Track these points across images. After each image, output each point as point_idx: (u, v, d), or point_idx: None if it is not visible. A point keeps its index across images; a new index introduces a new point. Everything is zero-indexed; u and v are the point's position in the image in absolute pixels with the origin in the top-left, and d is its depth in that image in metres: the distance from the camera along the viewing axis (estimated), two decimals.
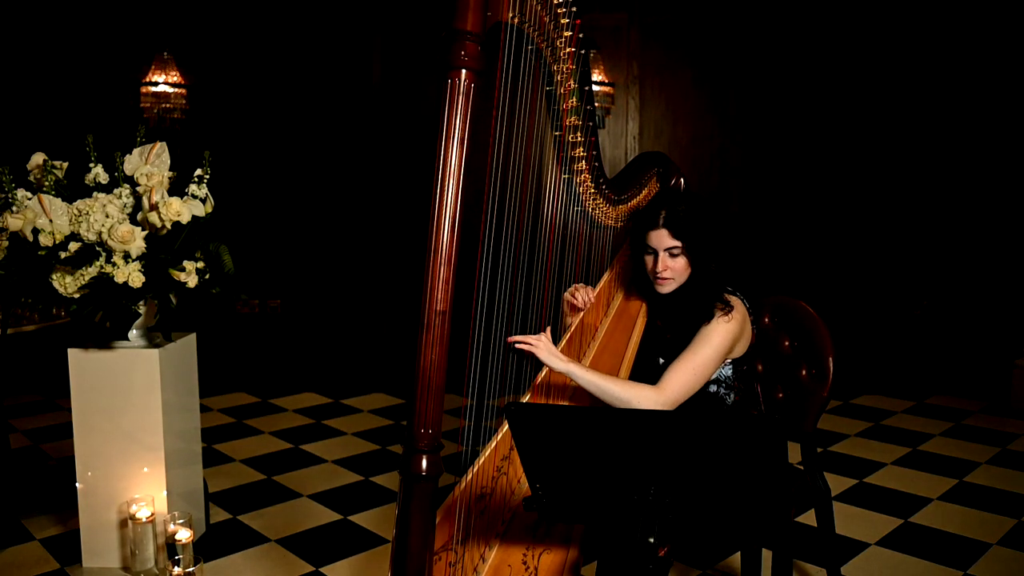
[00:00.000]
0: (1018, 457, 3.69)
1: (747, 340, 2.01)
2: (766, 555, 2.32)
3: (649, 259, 2.00)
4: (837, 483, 3.34)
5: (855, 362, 4.47)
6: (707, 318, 1.93)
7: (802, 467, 2.18)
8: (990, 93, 4.55)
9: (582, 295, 2.17)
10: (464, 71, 1.36)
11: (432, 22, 4.74)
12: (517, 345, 1.83)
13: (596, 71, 4.64)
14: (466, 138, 1.38)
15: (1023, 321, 4.54)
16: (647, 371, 2.02)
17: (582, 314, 2.17)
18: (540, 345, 1.83)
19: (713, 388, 2.00)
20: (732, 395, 2.03)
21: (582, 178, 2.08)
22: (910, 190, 4.75)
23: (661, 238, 1.95)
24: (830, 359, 2.12)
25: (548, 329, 1.91)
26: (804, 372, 2.18)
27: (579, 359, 2.08)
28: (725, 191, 4.87)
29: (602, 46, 4.72)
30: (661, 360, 2.05)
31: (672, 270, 1.97)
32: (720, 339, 1.92)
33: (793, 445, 2.21)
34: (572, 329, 2.16)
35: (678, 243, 1.94)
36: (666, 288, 2.00)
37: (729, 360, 2.00)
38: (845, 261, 4.87)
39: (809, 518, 2.72)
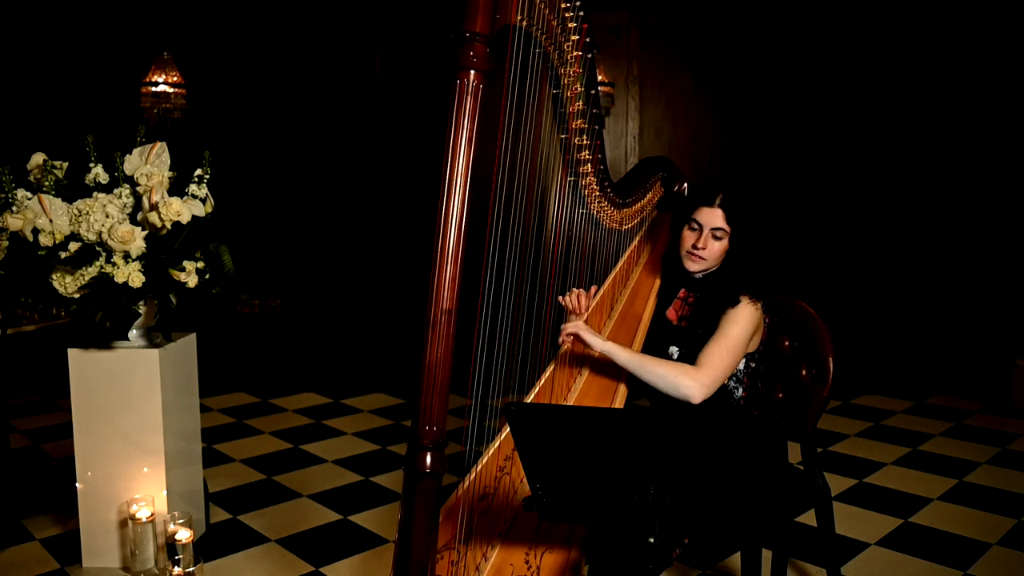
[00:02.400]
0: (1018, 457, 3.69)
1: (760, 336, 2.03)
2: (766, 555, 2.32)
3: (691, 234, 2.02)
4: (837, 483, 3.35)
5: (855, 362, 4.48)
6: (733, 303, 1.95)
7: (802, 467, 2.18)
8: (990, 93, 4.55)
9: (572, 301, 2.12)
10: (473, 72, 1.38)
11: (434, 17, 4.74)
12: (564, 339, 1.97)
13: (596, 71, 4.64)
14: (474, 138, 1.38)
15: (1023, 321, 4.55)
16: None
17: (586, 315, 2.18)
18: (581, 329, 1.93)
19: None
20: (740, 389, 2.03)
21: (587, 181, 2.09)
22: (910, 190, 4.75)
23: (713, 217, 1.98)
24: (830, 359, 2.13)
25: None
26: (804, 372, 2.18)
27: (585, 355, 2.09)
28: None
29: (602, 46, 4.71)
30: (672, 349, 2.06)
31: (710, 251, 2.00)
32: (746, 320, 1.94)
33: (793, 445, 2.21)
34: None
35: (727, 227, 1.98)
36: (695, 266, 2.04)
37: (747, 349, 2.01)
38: (845, 261, 4.87)
39: (809, 518, 2.73)
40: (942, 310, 4.79)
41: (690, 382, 1.86)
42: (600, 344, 1.92)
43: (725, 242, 2.00)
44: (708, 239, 1.99)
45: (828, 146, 4.80)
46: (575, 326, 1.95)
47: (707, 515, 1.34)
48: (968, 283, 4.72)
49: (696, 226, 2.01)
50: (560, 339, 1.97)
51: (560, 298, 2.11)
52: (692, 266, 2.04)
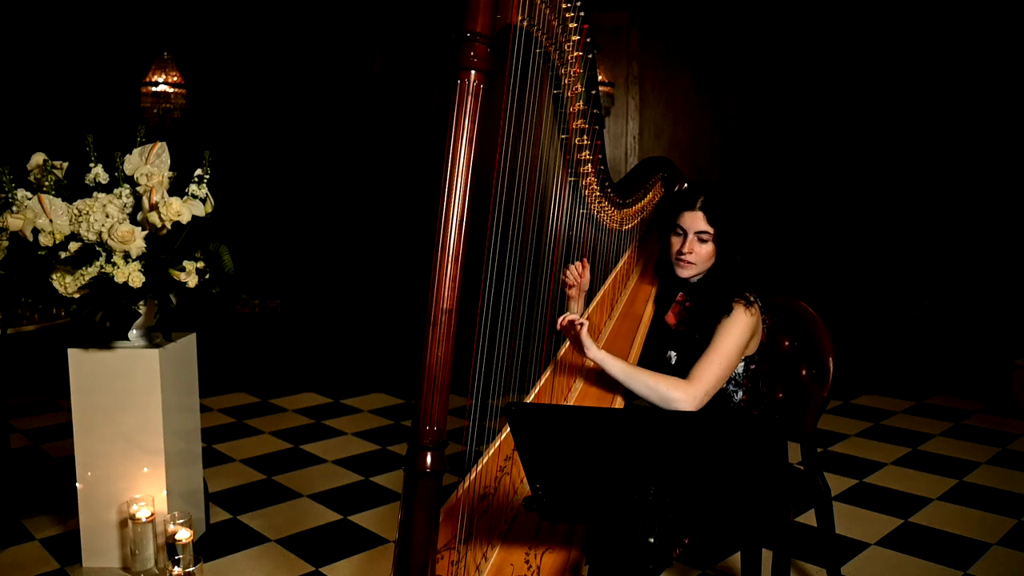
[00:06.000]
0: (1018, 457, 3.69)
1: (759, 338, 2.02)
2: (766, 555, 2.32)
3: (677, 240, 2.02)
4: (837, 483, 3.35)
5: (855, 362, 4.48)
6: (726, 312, 1.94)
7: (802, 467, 2.18)
8: (990, 93, 4.55)
9: (573, 275, 2.16)
10: (473, 72, 1.37)
11: (434, 17, 4.74)
12: (563, 328, 1.89)
13: (596, 71, 4.64)
14: (474, 138, 1.38)
15: (1023, 321, 4.55)
16: (653, 366, 2.03)
17: (588, 311, 2.18)
18: (583, 329, 1.88)
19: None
20: (740, 392, 2.03)
21: (588, 181, 2.09)
22: (910, 190, 4.75)
23: (695, 221, 1.98)
24: (830, 359, 2.13)
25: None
26: (804, 372, 2.18)
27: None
28: None
29: (602, 46, 4.72)
30: (671, 353, 2.05)
31: (697, 255, 2.00)
32: (741, 329, 1.93)
33: (793, 445, 2.21)
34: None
35: (710, 229, 1.97)
36: (686, 272, 2.03)
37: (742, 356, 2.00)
38: (845, 261, 4.87)
39: (809, 518, 2.73)
40: (942, 310, 4.79)
41: (681, 396, 1.85)
42: (594, 352, 1.89)
43: (711, 245, 1.99)
44: (694, 243, 1.99)
45: (828, 146, 4.80)
46: (579, 322, 1.87)
47: (707, 515, 1.34)
48: (968, 283, 4.72)
49: (680, 231, 2.01)
50: (559, 324, 1.91)
51: (562, 274, 2.11)
52: (683, 272, 2.03)
